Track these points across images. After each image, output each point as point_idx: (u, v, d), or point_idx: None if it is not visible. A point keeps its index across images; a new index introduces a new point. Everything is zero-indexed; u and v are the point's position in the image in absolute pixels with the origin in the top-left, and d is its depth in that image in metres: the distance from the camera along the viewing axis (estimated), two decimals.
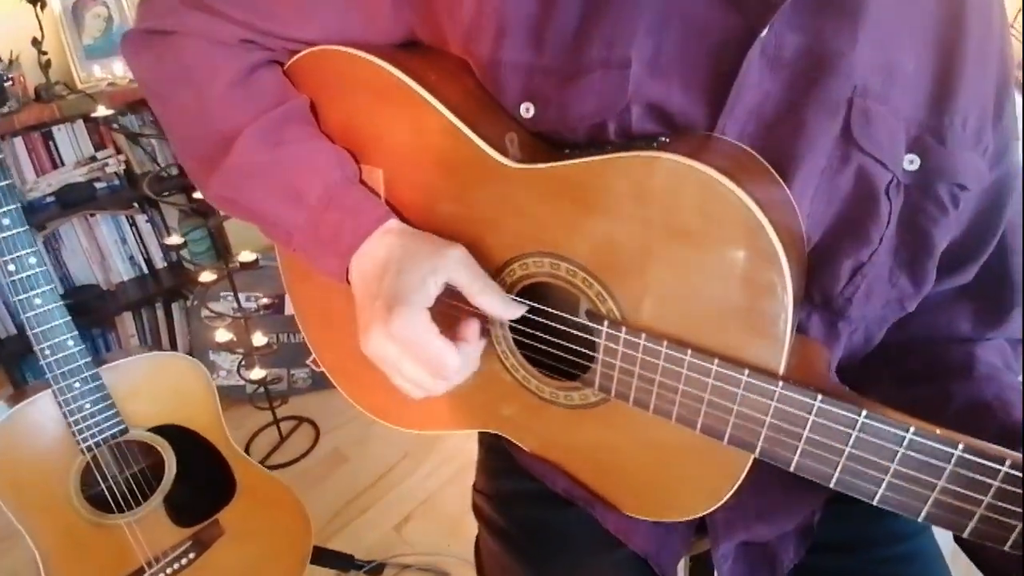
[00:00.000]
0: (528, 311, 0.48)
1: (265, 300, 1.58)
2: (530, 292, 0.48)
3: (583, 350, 0.47)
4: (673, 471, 0.47)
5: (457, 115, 0.46)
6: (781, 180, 0.41)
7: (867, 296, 0.44)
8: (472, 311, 0.47)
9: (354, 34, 0.50)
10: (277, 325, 1.69)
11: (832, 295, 0.44)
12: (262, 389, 1.57)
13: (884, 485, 0.36)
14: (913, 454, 0.34)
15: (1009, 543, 0.33)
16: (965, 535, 0.34)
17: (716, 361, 0.39)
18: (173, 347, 1.85)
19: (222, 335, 1.47)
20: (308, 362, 1.75)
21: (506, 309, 0.47)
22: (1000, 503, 0.33)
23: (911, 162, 0.41)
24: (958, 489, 0.34)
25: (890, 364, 0.52)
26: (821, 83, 0.40)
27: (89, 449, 0.86)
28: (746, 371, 0.38)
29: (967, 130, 0.42)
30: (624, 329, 0.43)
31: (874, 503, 0.37)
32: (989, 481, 0.33)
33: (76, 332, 0.82)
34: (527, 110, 0.46)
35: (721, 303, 0.39)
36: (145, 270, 1.79)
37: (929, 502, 0.35)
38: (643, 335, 0.42)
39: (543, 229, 0.45)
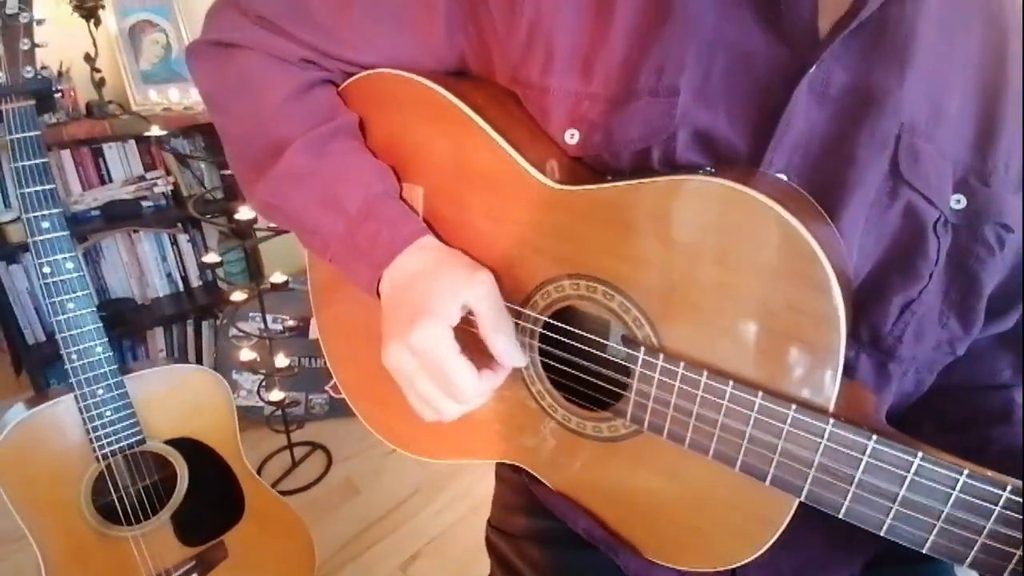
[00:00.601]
0: (560, 335, 0.46)
1: (291, 322, 1.59)
2: (562, 316, 0.47)
3: (617, 377, 0.45)
4: (707, 514, 0.44)
5: (502, 136, 0.46)
6: (827, 216, 0.40)
7: (917, 336, 0.43)
8: None
9: (409, 59, 0.52)
10: (300, 348, 1.70)
11: (881, 333, 0.43)
12: (279, 412, 1.56)
13: (935, 531, 0.33)
14: (965, 497, 0.32)
15: None
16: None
17: (760, 394, 0.37)
18: (199, 364, 1.87)
19: (246, 354, 1.48)
20: (327, 388, 1.75)
21: (512, 355, 0.46)
22: None
23: (958, 202, 0.41)
24: (1006, 532, 0.31)
25: (932, 411, 0.50)
26: (870, 119, 0.40)
27: (104, 457, 0.86)
28: (793, 406, 0.36)
29: (1010, 173, 0.41)
30: (662, 356, 0.41)
31: (924, 551, 0.34)
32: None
33: (105, 339, 0.83)
34: (572, 136, 0.46)
35: (769, 334, 0.37)
36: (181, 287, 1.84)
37: (976, 547, 0.32)
38: (682, 363, 0.40)
39: (583, 251, 0.44)
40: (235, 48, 0.52)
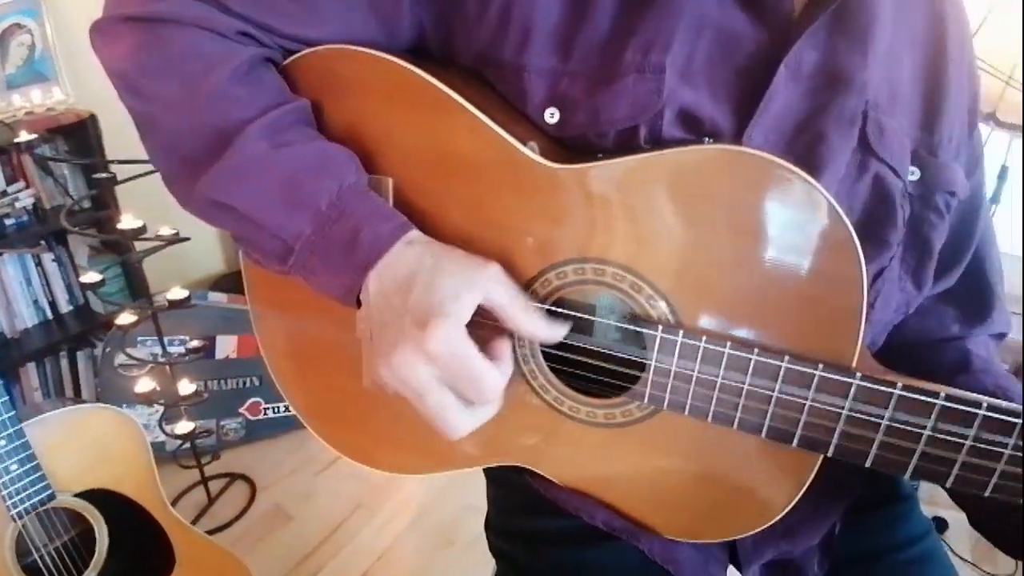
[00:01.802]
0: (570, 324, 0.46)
1: (194, 343, 1.45)
2: (561, 306, 0.46)
3: (631, 359, 0.46)
4: (727, 486, 0.46)
5: (486, 115, 0.44)
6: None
7: (885, 301, 0.48)
8: (498, 330, 0.44)
9: (361, 35, 0.48)
10: (207, 370, 1.56)
11: None
12: (187, 445, 1.43)
13: (957, 466, 0.37)
14: (984, 435, 0.36)
15: None
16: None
17: (787, 358, 0.39)
18: (78, 400, 1.66)
19: (144, 384, 1.33)
20: (241, 410, 1.62)
21: (550, 331, 0.44)
22: None
23: (913, 173, 0.46)
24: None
25: (894, 368, 0.55)
26: (838, 98, 0.43)
27: (20, 516, 0.75)
28: (820, 366, 0.38)
29: (952, 143, 0.47)
30: (682, 332, 0.42)
31: (946, 486, 0.38)
32: None
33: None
34: (552, 115, 0.46)
35: (792, 299, 0.39)
36: (49, 314, 1.62)
37: (995, 475, 0.37)
38: (703, 337, 0.41)
39: (585, 233, 0.43)
40: (158, 23, 0.45)
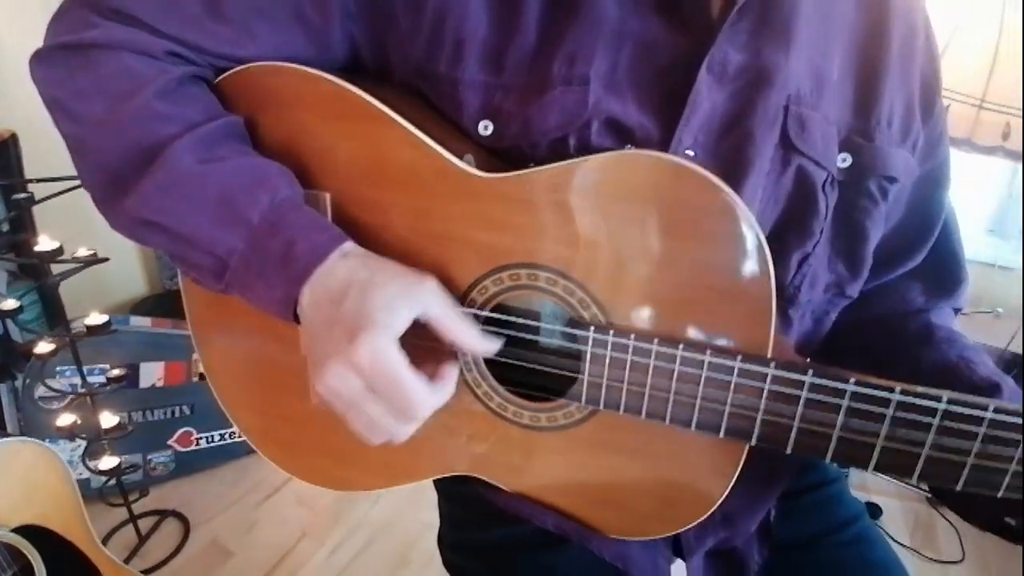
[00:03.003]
0: (506, 329, 0.48)
1: (115, 371, 1.38)
2: (501, 310, 0.48)
3: (567, 362, 0.48)
4: (668, 481, 0.49)
5: (420, 129, 0.46)
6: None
7: (812, 283, 0.51)
8: (440, 347, 0.46)
9: (293, 52, 0.49)
10: (131, 401, 1.49)
11: (784, 285, 0.50)
12: (113, 481, 1.36)
13: (877, 451, 0.41)
14: (902, 414, 0.39)
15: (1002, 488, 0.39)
16: (959, 487, 0.40)
17: (709, 352, 0.42)
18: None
19: (64, 418, 1.26)
20: (171, 442, 1.56)
21: (484, 344, 0.46)
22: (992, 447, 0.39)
23: (844, 160, 0.49)
24: (947, 441, 0.39)
25: (862, 347, 0.59)
26: (761, 95, 0.46)
27: None
28: (739, 357, 0.42)
29: (893, 128, 0.50)
30: (612, 332, 0.44)
31: (869, 470, 0.41)
32: (975, 429, 0.39)
33: None
34: (486, 128, 0.48)
35: (709, 294, 0.42)
36: None
37: (922, 459, 0.40)
38: (632, 335, 0.44)
39: (518, 239, 0.46)
40: (90, 48, 0.45)
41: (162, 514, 1.50)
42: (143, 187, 0.45)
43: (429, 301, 0.44)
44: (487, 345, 0.46)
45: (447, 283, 0.47)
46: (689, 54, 0.46)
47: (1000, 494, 0.39)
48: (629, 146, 0.46)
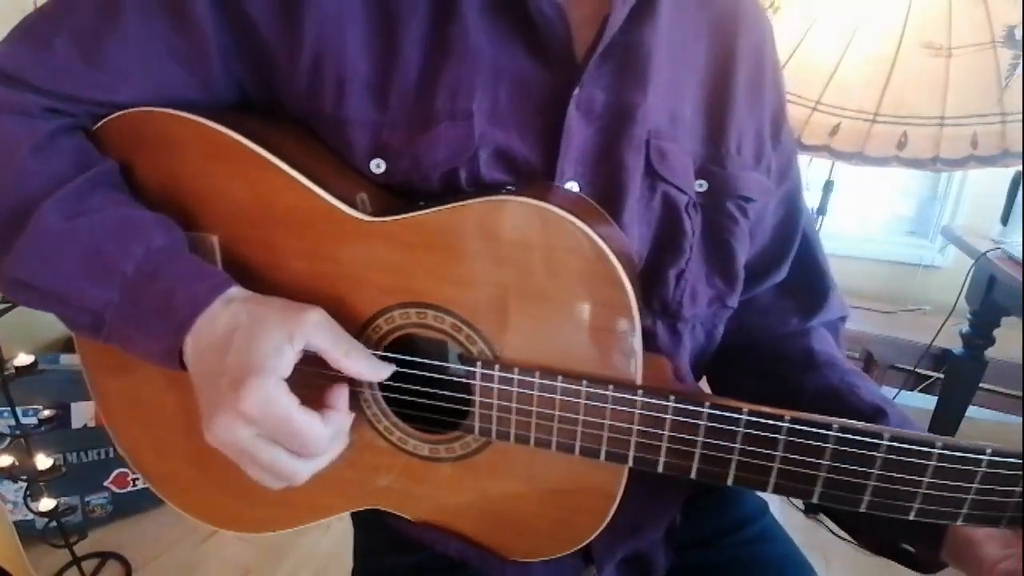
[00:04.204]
0: (399, 366, 0.49)
1: (46, 412, 1.36)
2: (397, 347, 0.50)
3: (460, 396, 0.50)
4: (561, 503, 0.51)
5: (303, 173, 0.48)
6: (609, 216, 0.50)
7: (692, 298, 0.56)
8: (336, 376, 0.47)
9: (177, 95, 0.49)
10: (64, 442, 1.46)
11: (667, 301, 0.55)
12: (54, 522, 1.33)
13: (734, 466, 0.44)
14: (752, 432, 0.43)
15: (864, 505, 0.43)
16: (815, 500, 0.43)
17: (584, 383, 0.45)
18: None
19: (4, 459, 1.25)
20: (107, 483, 1.53)
21: (374, 370, 0.47)
22: (842, 465, 0.42)
23: (701, 186, 0.54)
24: (795, 456, 0.43)
25: (749, 368, 0.64)
26: (627, 130, 0.51)
27: None
28: (611, 387, 0.45)
29: (743, 154, 0.56)
30: (497, 367, 0.47)
31: (728, 484, 0.45)
32: (820, 444, 0.42)
33: None
34: (378, 166, 0.50)
35: (580, 329, 0.45)
36: None
37: (773, 473, 0.44)
38: (516, 370, 0.47)
39: (406, 279, 0.48)
40: None
41: (103, 556, 1.47)
42: (16, 248, 0.45)
43: (312, 332, 0.44)
44: (378, 371, 0.47)
45: (342, 321, 0.47)
46: (559, 92, 0.49)
47: (912, 517, 0.43)
48: (508, 187, 0.49)
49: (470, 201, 0.46)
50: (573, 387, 0.45)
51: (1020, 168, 1.54)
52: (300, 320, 0.44)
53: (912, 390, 1.87)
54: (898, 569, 0.55)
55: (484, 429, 0.49)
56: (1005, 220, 1.62)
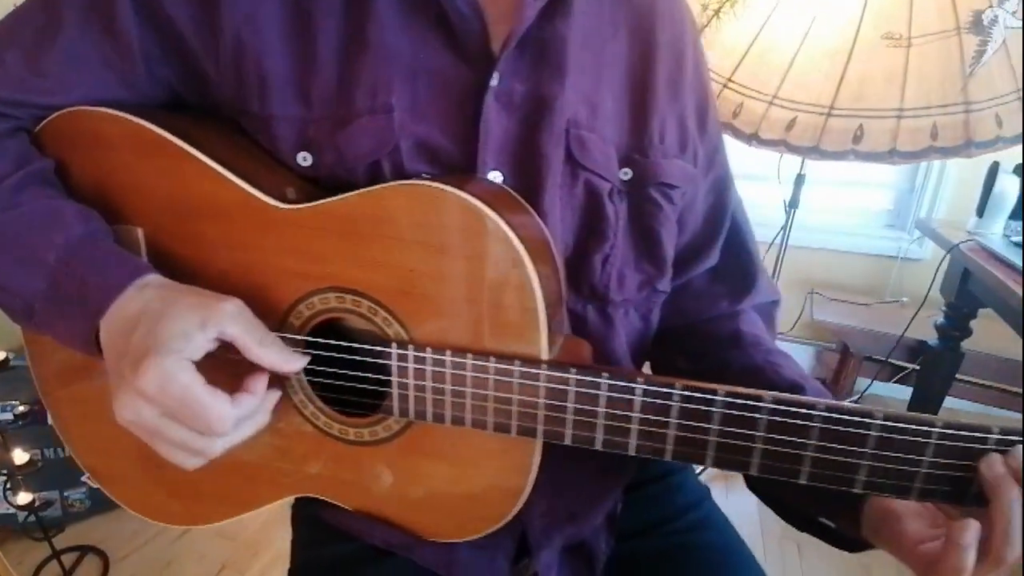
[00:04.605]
0: (319, 351, 0.51)
1: (21, 408, 1.37)
2: (324, 331, 0.52)
3: (380, 378, 0.51)
4: (479, 481, 0.53)
5: (224, 166, 0.49)
6: (526, 203, 0.51)
7: (620, 282, 0.57)
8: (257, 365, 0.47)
9: (110, 95, 0.52)
10: (40, 438, 1.47)
11: (595, 285, 0.56)
12: (33, 517, 1.35)
13: (634, 435, 0.46)
14: (648, 400, 0.45)
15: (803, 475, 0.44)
16: (754, 471, 0.44)
17: (492, 359, 0.47)
18: None
19: None
20: (84, 479, 1.54)
21: (287, 361, 0.47)
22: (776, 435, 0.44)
23: (625, 174, 0.55)
24: (731, 429, 0.44)
25: (681, 347, 0.66)
26: (546, 121, 0.52)
27: None
28: (517, 362, 0.46)
29: (666, 143, 0.57)
30: (411, 347, 0.48)
31: (629, 453, 0.46)
32: (754, 416, 0.43)
33: None
34: (304, 159, 0.51)
35: (487, 307, 0.47)
36: None
37: (669, 441, 0.45)
38: (428, 350, 0.48)
39: (323, 265, 0.49)
40: None
41: (82, 550, 1.48)
42: None
43: (227, 321, 0.44)
44: (291, 363, 0.48)
45: (264, 310, 0.49)
46: (477, 85, 0.50)
47: (860, 489, 0.43)
48: (425, 175, 0.51)
49: (375, 187, 0.47)
50: (481, 363, 0.47)
51: (994, 160, 1.55)
52: (215, 308, 0.45)
53: (888, 381, 1.88)
54: (870, 560, 0.55)
55: (403, 410, 0.51)
56: (981, 212, 1.63)
